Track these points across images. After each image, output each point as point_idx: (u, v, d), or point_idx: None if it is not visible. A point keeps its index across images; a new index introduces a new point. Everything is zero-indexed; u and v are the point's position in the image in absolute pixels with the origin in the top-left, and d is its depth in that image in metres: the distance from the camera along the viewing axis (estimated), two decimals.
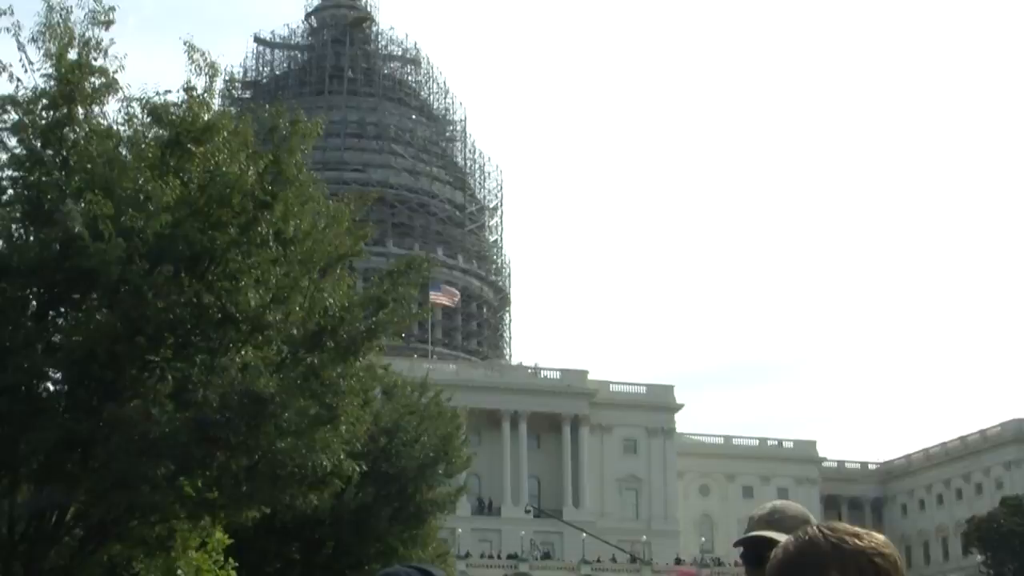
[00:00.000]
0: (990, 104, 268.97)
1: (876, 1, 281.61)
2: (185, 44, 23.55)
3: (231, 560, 27.86)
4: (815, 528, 3.24)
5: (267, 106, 27.92)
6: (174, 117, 22.99)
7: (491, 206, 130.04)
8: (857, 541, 3.14)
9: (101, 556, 25.59)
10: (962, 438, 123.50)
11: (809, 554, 3.16)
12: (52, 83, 22.58)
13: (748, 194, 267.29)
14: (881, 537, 3.19)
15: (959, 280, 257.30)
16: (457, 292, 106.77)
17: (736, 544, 4.77)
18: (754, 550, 4.65)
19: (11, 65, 22.45)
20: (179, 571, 26.51)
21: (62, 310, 22.89)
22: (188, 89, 23.39)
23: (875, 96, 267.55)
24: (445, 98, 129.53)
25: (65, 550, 24.54)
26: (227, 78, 28.90)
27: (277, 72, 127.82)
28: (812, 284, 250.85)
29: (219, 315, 22.07)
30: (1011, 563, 75.54)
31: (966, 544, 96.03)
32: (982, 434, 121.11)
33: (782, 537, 4.44)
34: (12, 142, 22.96)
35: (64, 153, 22.44)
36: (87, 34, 22.57)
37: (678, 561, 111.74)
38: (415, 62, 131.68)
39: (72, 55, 22.52)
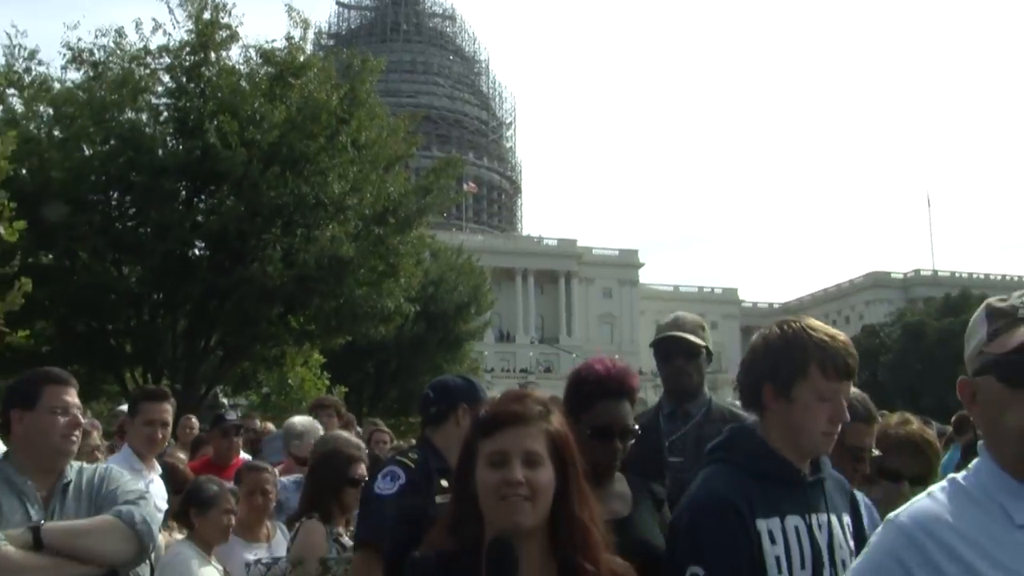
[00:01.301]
0: None
1: None
2: (286, 6, 23.89)
3: (325, 373, 28.32)
4: (797, 322, 2.99)
5: (345, 50, 27.86)
6: (279, 59, 23.13)
7: (507, 122, 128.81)
8: (834, 340, 2.91)
9: (235, 370, 26.12)
10: (837, 285, 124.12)
11: (795, 346, 2.91)
12: (192, 36, 22.61)
13: (689, 96, 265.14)
14: (846, 337, 3.00)
15: (838, 157, 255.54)
16: (475, 186, 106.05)
17: (652, 344, 4.62)
18: (662, 347, 4.56)
19: (164, 24, 22.58)
20: (289, 380, 26.96)
21: (203, 199, 23.04)
22: (288, 39, 23.59)
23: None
24: (473, 44, 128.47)
25: (210, 365, 25.02)
26: (316, 31, 28.63)
27: (352, 26, 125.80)
28: (733, 169, 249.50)
29: (313, 201, 22.22)
30: (865, 370, 75.98)
31: None
32: (851, 282, 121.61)
33: (685, 335, 4.50)
34: (166, 79, 23.08)
35: (202, 86, 22.52)
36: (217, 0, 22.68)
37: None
38: (452, 18, 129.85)
39: (206, 16, 22.59)
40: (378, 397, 38.14)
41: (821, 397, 2.88)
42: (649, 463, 4.04)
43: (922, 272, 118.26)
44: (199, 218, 22.62)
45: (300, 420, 7.60)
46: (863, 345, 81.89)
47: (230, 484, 5.57)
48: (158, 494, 5.72)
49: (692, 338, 4.46)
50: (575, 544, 2.46)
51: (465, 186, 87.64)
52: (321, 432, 6.99)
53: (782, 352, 2.94)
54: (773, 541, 2.83)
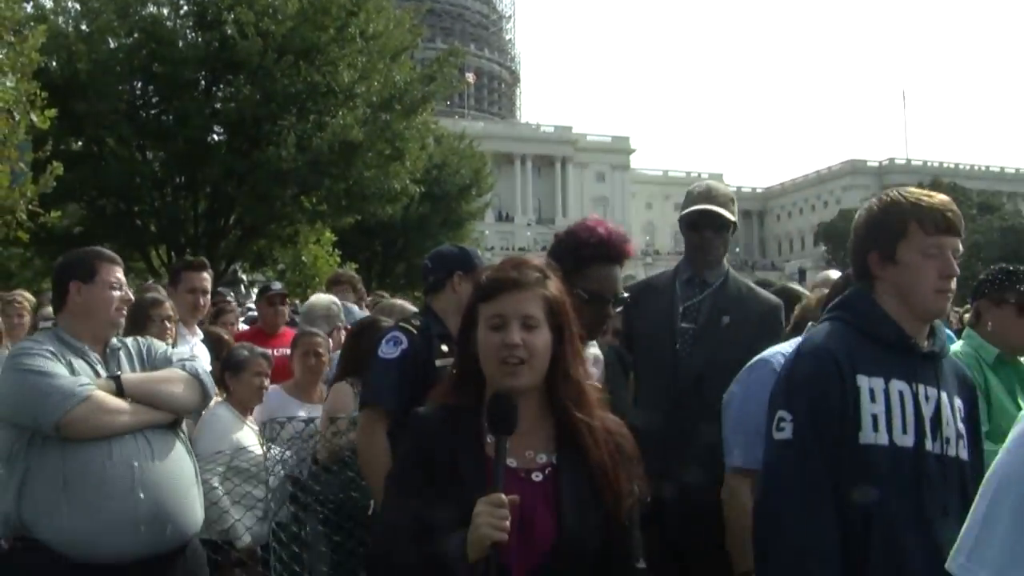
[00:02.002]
0: None
1: None
2: None
3: (336, 250, 28.41)
4: (895, 191, 2.88)
5: None
6: None
7: (507, 15, 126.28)
8: (930, 199, 2.78)
9: (252, 247, 26.17)
10: (817, 172, 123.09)
11: (892, 210, 2.82)
12: None
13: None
14: (946, 196, 2.84)
15: (820, 52, 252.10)
16: (474, 77, 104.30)
17: (682, 214, 4.26)
18: (692, 217, 4.23)
19: None
20: (303, 258, 27.06)
21: (221, 87, 22.76)
22: None
23: None
24: None
25: (230, 243, 25.08)
26: None
27: None
28: (720, 61, 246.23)
29: (324, 89, 21.97)
30: (841, 251, 76.23)
31: (815, 241, 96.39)
32: (829, 169, 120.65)
33: (718, 208, 4.15)
34: None
35: None
36: None
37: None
38: None
39: None
40: (386, 273, 38.25)
41: (926, 254, 2.74)
42: (661, 326, 3.96)
43: (896, 160, 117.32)
44: (217, 106, 22.43)
45: (319, 299, 7.52)
46: (840, 228, 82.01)
47: (263, 350, 5.60)
48: (203, 357, 5.83)
49: (724, 212, 4.19)
50: (571, 401, 2.47)
51: (468, 76, 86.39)
52: (336, 309, 7.11)
53: (882, 218, 2.83)
54: (873, 399, 2.67)
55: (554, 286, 2.51)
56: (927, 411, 2.71)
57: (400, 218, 31.54)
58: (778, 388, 2.81)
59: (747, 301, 4.15)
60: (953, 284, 2.77)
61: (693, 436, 3.68)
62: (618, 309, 3.44)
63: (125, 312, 3.86)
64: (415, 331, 4.05)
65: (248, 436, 5.21)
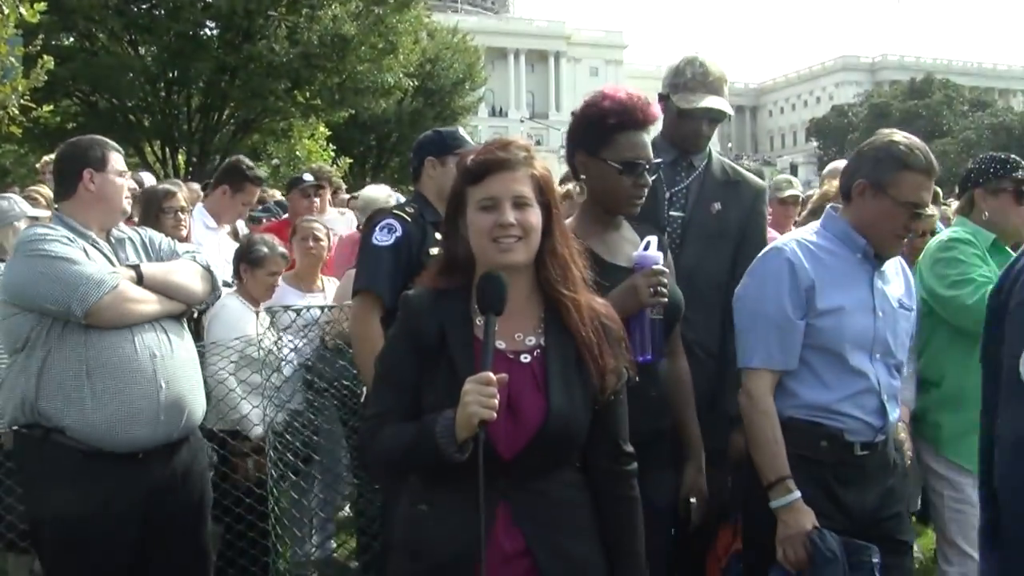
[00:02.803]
0: None
1: None
2: None
3: (330, 145, 28.21)
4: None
5: None
6: None
7: None
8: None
9: (246, 142, 25.95)
10: (809, 68, 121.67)
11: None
12: None
13: None
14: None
15: None
16: None
17: (681, 109, 3.80)
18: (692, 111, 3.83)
19: None
20: (297, 152, 26.87)
21: None
22: None
23: None
24: None
25: (223, 138, 24.91)
26: None
27: None
28: None
29: None
30: (833, 147, 75.76)
31: (807, 136, 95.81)
32: (822, 65, 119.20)
33: (723, 108, 3.78)
34: None
35: None
36: None
37: None
38: None
39: None
40: (379, 167, 38.06)
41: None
42: (647, 214, 3.48)
43: (889, 57, 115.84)
44: None
45: (376, 191, 7.31)
46: (832, 124, 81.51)
47: (283, 249, 5.55)
48: (229, 249, 5.96)
49: (728, 109, 3.86)
50: (557, 278, 2.48)
51: None
52: (393, 201, 7.06)
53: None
54: None
55: (540, 164, 2.52)
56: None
57: (393, 113, 31.33)
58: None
59: (735, 185, 3.90)
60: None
61: (687, 331, 3.45)
62: (653, 177, 3.24)
63: (130, 200, 3.86)
64: (409, 219, 4.02)
65: (259, 327, 5.19)
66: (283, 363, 5.00)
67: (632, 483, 2.59)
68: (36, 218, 5.10)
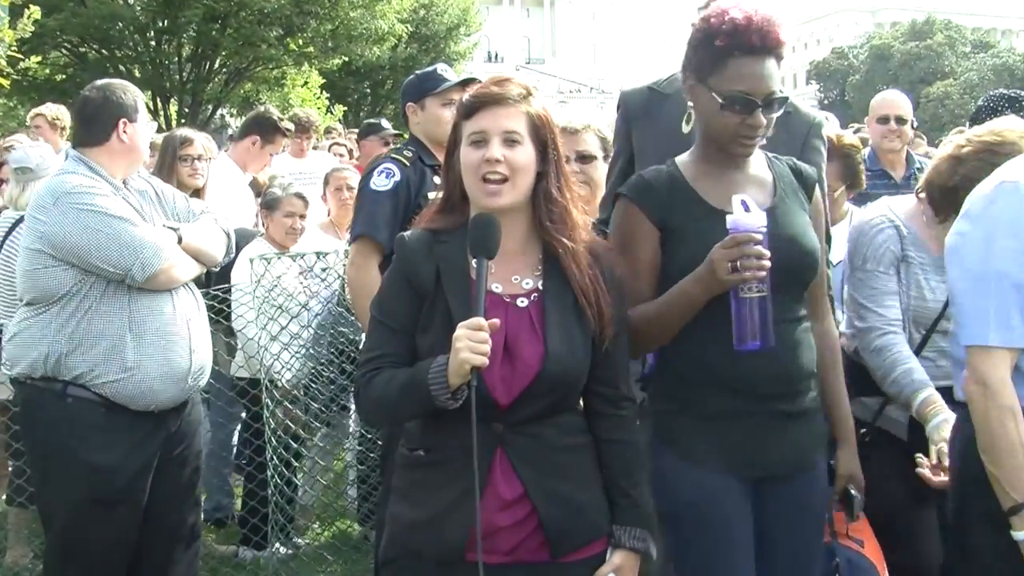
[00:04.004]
0: None
1: None
2: None
3: (324, 93, 28.05)
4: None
5: None
6: None
7: None
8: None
9: (239, 91, 25.81)
10: (809, 10, 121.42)
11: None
12: None
13: None
14: None
15: None
16: None
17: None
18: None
19: None
20: (291, 100, 26.73)
21: None
22: None
23: None
24: None
25: (215, 88, 24.76)
26: None
27: None
28: None
29: None
30: (833, 89, 75.27)
31: (807, 79, 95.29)
32: (822, 6, 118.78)
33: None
34: None
35: None
36: None
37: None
38: None
39: None
40: (375, 115, 37.84)
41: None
42: (676, 146, 2.92)
43: None
44: None
45: None
46: (832, 66, 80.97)
47: (298, 190, 5.54)
48: (250, 200, 6.20)
49: None
50: (553, 223, 2.43)
51: None
52: None
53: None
54: None
55: (538, 103, 2.45)
56: None
57: (388, 59, 31.08)
58: None
59: (783, 118, 3.05)
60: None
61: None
62: (775, 115, 2.64)
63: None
64: (407, 163, 3.97)
65: (287, 274, 5.06)
66: (303, 309, 4.96)
67: (632, 428, 2.54)
68: None
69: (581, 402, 2.52)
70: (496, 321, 2.25)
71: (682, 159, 2.74)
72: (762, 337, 2.44)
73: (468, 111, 2.42)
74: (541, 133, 2.43)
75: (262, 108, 6.95)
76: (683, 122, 2.81)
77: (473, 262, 2.35)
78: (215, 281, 4.99)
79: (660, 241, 2.64)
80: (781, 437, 2.63)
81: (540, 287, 2.44)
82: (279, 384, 4.86)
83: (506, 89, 2.42)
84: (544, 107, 2.46)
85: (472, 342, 2.19)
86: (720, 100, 2.58)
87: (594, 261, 2.46)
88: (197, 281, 3.85)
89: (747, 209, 2.44)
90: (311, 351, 5.01)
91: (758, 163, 2.76)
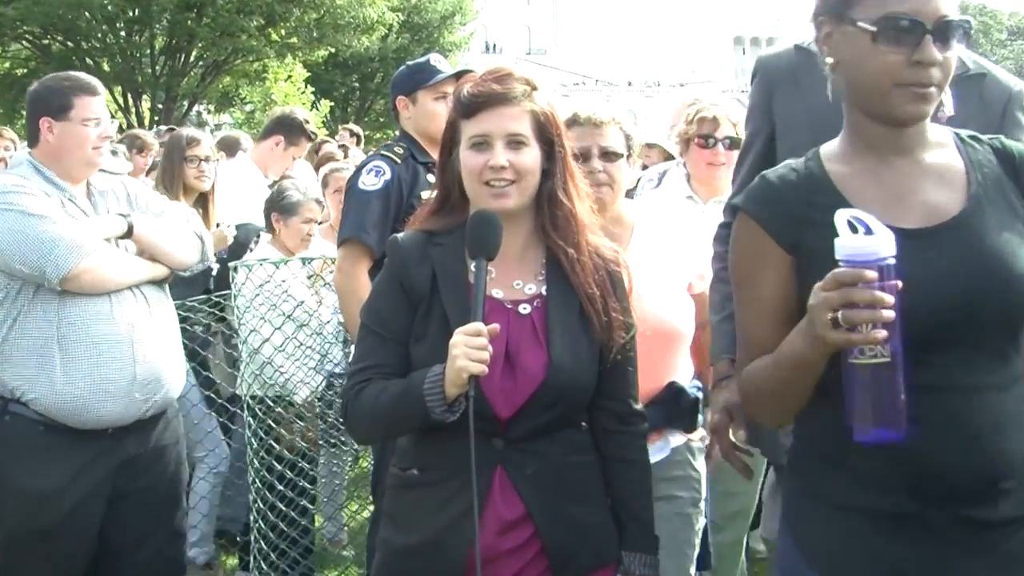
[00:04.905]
0: None
1: None
2: None
3: (309, 87, 28.10)
4: None
5: None
6: None
7: None
8: None
9: (216, 85, 25.91)
10: None
11: None
12: None
13: None
14: None
15: None
16: None
17: None
18: None
19: None
20: (273, 95, 26.78)
21: None
22: None
23: None
24: None
25: (191, 82, 24.81)
26: None
27: None
28: None
29: None
30: None
31: None
32: None
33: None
34: None
35: None
36: None
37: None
38: None
39: None
40: (363, 111, 37.90)
41: None
42: (829, 117, 2.20)
43: None
44: None
45: None
46: None
47: (316, 194, 5.43)
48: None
49: None
50: (556, 225, 2.43)
51: None
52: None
53: None
54: None
55: (543, 99, 2.43)
56: None
57: (377, 50, 31.15)
58: None
59: (977, 80, 2.68)
60: None
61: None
62: (953, 53, 1.93)
63: (105, 150, 3.72)
64: (398, 160, 3.96)
65: (296, 284, 4.89)
66: (311, 317, 4.91)
67: (642, 445, 2.53)
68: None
69: (584, 421, 2.51)
70: (496, 326, 2.24)
71: (828, 149, 2.07)
72: (893, 423, 1.79)
73: (468, 110, 2.40)
74: (546, 131, 2.41)
75: (288, 109, 7.01)
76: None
77: (471, 265, 2.35)
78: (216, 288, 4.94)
79: (794, 268, 1.99)
80: (974, 559, 1.93)
81: (543, 293, 2.43)
82: (293, 401, 4.77)
83: (508, 87, 2.40)
84: (549, 102, 2.44)
85: (470, 348, 2.17)
86: (872, 29, 1.90)
87: (600, 264, 2.45)
88: (199, 286, 3.78)
89: (861, 230, 1.79)
90: (321, 365, 4.97)
91: (941, 145, 2.03)
